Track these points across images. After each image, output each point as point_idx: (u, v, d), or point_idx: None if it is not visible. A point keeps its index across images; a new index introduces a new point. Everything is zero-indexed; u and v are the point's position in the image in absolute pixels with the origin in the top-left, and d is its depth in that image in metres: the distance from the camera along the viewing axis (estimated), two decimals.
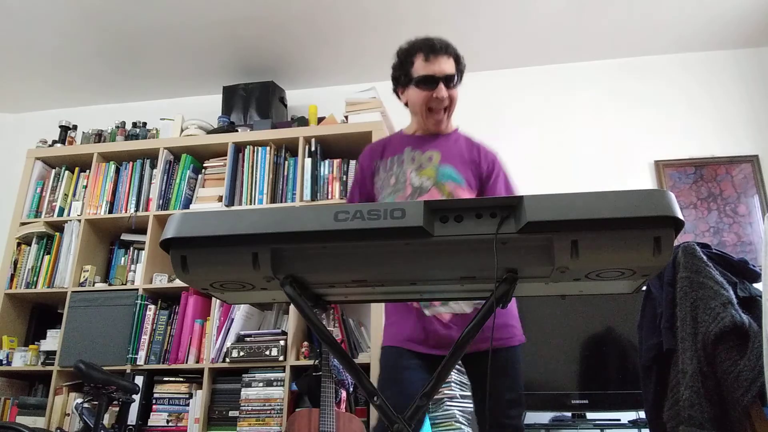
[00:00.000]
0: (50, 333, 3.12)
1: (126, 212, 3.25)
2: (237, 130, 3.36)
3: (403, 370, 1.66)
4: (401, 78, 1.81)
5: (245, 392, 2.75)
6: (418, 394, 0.97)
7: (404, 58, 1.79)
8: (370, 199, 1.87)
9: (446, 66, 1.75)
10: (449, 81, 1.75)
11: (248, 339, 2.85)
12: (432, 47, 1.75)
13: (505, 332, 1.69)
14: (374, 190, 1.85)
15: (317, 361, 2.58)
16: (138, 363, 2.91)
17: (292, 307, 2.90)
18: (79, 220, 3.25)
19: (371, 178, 1.86)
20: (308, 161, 3.15)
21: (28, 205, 3.37)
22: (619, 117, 3.42)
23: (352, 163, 3.14)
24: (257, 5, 3.14)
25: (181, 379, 2.90)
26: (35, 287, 3.18)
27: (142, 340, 2.95)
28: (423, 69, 1.75)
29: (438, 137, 1.83)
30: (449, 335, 1.64)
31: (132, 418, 2.73)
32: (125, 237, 3.35)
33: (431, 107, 1.77)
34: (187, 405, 2.84)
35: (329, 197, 3.10)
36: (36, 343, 3.14)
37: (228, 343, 2.85)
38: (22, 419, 2.88)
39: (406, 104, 1.85)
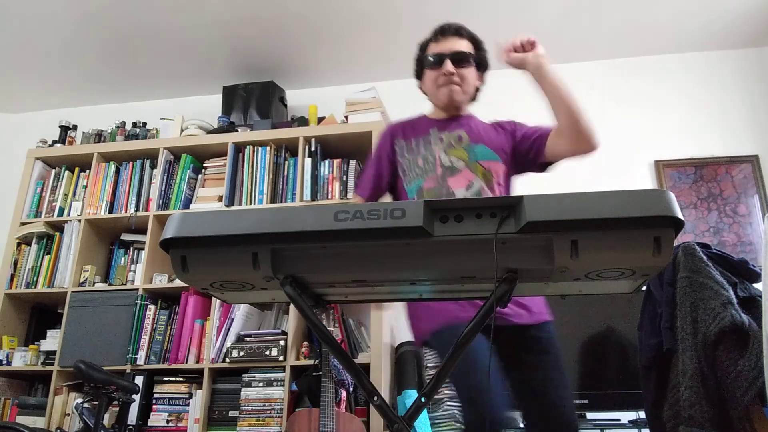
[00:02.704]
0: (50, 333, 3.12)
1: (126, 212, 3.25)
2: (237, 130, 3.36)
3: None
4: (418, 69, 1.83)
5: (245, 392, 2.75)
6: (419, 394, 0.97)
7: (422, 47, 1.82)
8: (383, 180, 1.79)
9: (455, 45, 1.75)
10: (457, 58, 1.73)
11: (248, 339, 2.85)
12: (441, 30, 1.78)
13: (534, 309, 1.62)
14: (397, 170, 1.77)
15: (317, 361, 2.58)
16: (138, 363, 2.91)
17: (292, 307, 2.90)
18: (79, 220, 3.25)
19: (388, 158, 1.79)
20: (308, 161, 3.15)
21: (28, 205, 3.37)
22: (619, 117, 3.42)
23: (352, 163, 3.14)
24: (257, 6, 3.14)
25: (181, 379, 2.90)
26: (35, 287, 3.18)
27: (142, 340, 2.95)
28: (432, 49, 1.78)
29: (460, 118, 1.80)
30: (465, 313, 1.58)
31: (132, 418, 2.73)
32: (125, 237, 3.34)
33: (440, 84, 1.75)
34: (187, 405, 2.84)
35: (329, 197, 3.10)
36: (36, 343, 3.14)
37: (228, 343, 2.85)
38: (22, 419, 2.88)
39: (425, 93, 1.84)
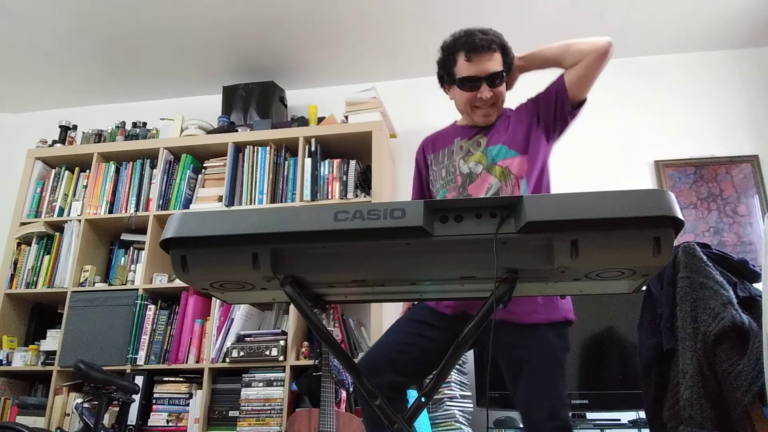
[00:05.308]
0: (50, 333, 3.11)
1: (126, 212, 3.25)
2: (237, 130, 3.36)
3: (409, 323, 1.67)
4: (445, 77, 1.76)
5: (245, 392, 2.75)
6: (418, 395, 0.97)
7: (447, 55, 1.73)
8: (427, 194, 1.88)
9: (490, 64, 1.67)
10: (493, 80, 1.68)
11: (248, 339, 2.85)
12: (473, 46, 1.66)
13: (525, 306, 1.54)
14: (429, 183, 1.86)
15: (317, 361, 2.58)
16: (138, 363, 2.91)
17: (292, 307, 2.90)
18: (79, 220, 3.25)
19: (426, 170, 1.87)
20: (308, 161, 3.15)
21: (28, 205, 3.37)
22: (619, 117, 3.42)
23: (352, 163, 3.14)
24: (257, 5, 3.14)
25: (181, 379, 2.90)
26: (35, 287, 3.18)
27: (142, 340, 2.95)
28: (465, 70, 1.68)
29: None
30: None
31: (132, 418, 2.73)
32: (125, 237, 3.34)
33: (476, 106, 1.72)
34: (187, 405, 2.84)
35: (329, 197, 3.10)
36: (36, 343, 3.14)
37: (228, 343, 2.85)
38: (22, 419, 2.88)
39: (452, 99, 1.81)
